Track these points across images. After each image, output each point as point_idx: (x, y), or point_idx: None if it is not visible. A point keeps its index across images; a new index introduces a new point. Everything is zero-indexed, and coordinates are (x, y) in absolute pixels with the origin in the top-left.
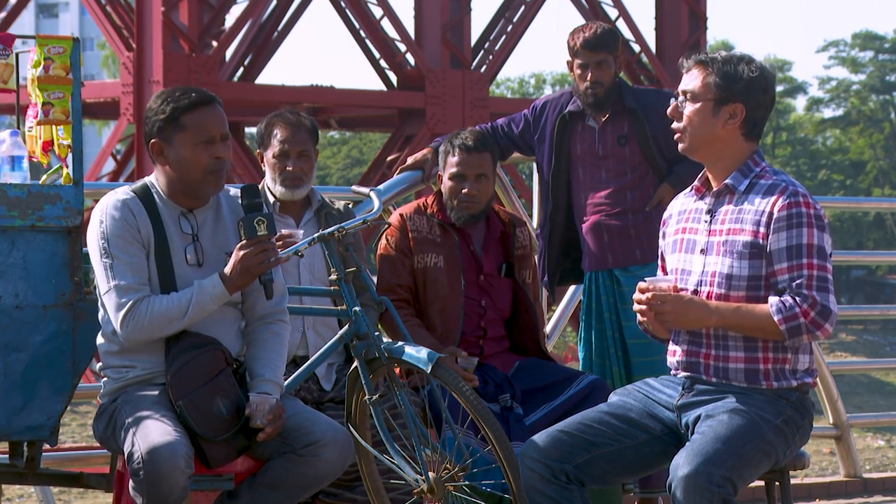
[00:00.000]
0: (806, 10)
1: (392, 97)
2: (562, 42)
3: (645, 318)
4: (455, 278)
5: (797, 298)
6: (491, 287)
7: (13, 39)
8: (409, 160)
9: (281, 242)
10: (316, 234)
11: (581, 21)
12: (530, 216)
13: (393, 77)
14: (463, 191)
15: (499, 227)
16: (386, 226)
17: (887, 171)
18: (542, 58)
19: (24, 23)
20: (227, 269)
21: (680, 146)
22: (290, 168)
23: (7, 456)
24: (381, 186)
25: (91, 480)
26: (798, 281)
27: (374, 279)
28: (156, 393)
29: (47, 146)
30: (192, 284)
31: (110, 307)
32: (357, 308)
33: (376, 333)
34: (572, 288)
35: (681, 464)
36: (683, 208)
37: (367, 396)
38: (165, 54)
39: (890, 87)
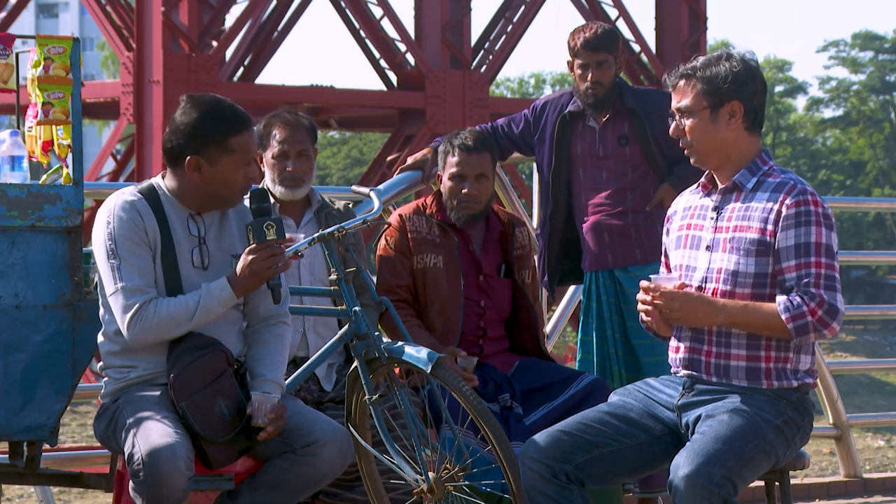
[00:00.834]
0: (806, 10)
1: (392, 97)
2: (562, 42)
3: (649, 318)
4: (454, 278)
5: (805, 297)
6: (490, 287)
7: (13, 39)
8: (409, 160)
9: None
10: (316, 234)
11: (581, 21)
12: (530, 216)
13: (393, 77)
14: (463, 191)
15: (498, 227)
16: (386, 226)
17: (887, 171)
18: (542, 58)
19: (24, 23)
20: (236, 273)
21: (692, 160)
22: (290, 168)
23: (7, 456)
24: (381, 186)
25: (91, 480)
26: (806, 279)
27: (374, 279)
28: (157, 393)
29: (47, 146)
30: (197, 287)
31: (117, 309)
32: (357, 308)
33: (376, 333)
34: (572, 288)
35: (681, 464)
36: (689, 205)
37: (367, 396)
38: (165, 54)
39: (890, 87)
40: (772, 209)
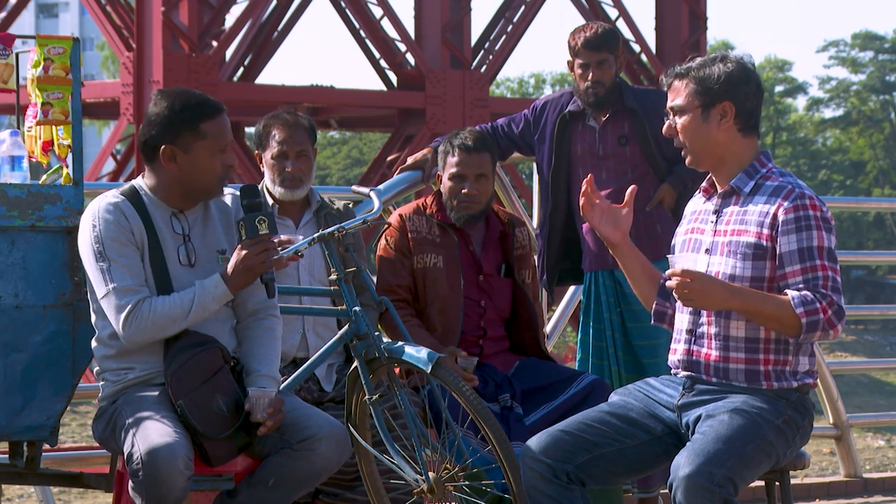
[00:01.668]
0: (806, 10)
1: (392, 97)
2: (562, 42)
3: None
4: (454, 278)
5: (817, 295)
6: (490, 287)
7: (13, 39)
8: (409, 160)
9: (280, 247)
10: (316, 234)
11: (581, 21)
12: (530, 216)
13: (393, 77)
14: (462, 191)
15: (498, 227)
16: (386, 226)
17: (887, 171)
18: (542, 58)
19: (24, 23)
20: (229, 269)
21: (687, 161)
22: (289, 169)
23: (7, 456)
24: (381, 186)
25: (91, 480)
26: (814, 283)
27: (374, 279)
28: (155, 393)
29: (47, 146)
30: (187, 285)
31: (110, 310)
32: (357, 308)
33: (376, 333)
34: (572, 288)
35: (682, 464)
36: (695, 209)
37: (367, 396)
38: (165, 54)
39: (890, 87)
40: (768, 213)
